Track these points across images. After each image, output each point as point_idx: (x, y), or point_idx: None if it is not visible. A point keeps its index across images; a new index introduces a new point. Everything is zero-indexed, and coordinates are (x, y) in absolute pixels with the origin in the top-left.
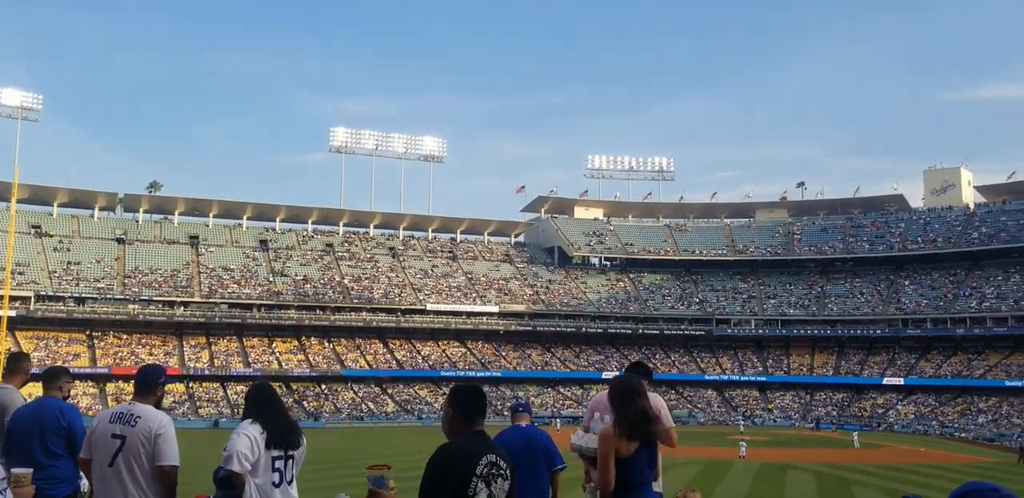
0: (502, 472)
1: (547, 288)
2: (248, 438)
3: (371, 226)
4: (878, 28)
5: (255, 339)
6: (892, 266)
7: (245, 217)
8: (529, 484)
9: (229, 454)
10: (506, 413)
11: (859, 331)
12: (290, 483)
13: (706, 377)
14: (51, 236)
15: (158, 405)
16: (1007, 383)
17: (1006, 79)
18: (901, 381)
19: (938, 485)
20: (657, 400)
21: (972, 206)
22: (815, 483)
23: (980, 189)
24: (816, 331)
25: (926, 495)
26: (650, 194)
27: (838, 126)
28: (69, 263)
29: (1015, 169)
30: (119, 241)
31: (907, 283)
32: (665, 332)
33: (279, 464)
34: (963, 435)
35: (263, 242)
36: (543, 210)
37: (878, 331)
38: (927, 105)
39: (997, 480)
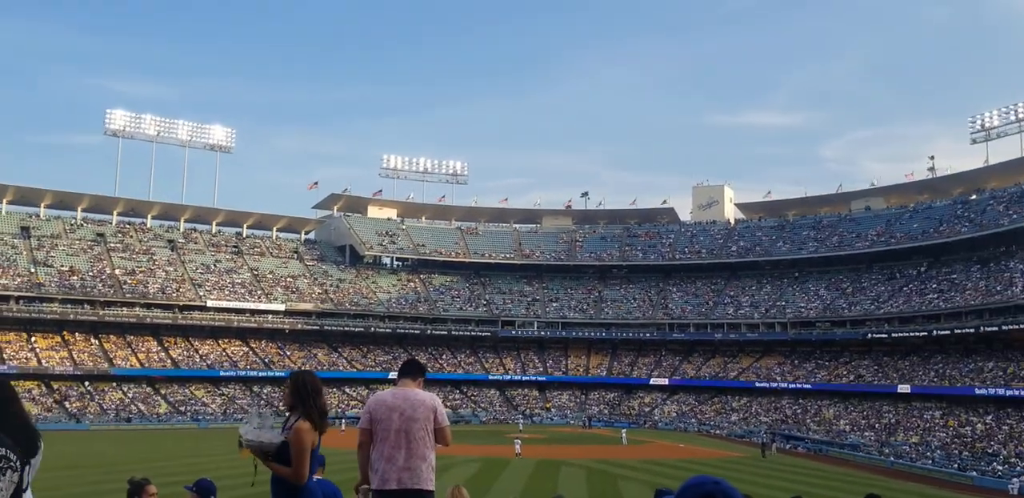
0: (11, 464)
1: (337, 287)
2: None
3: (149, 217)
4: (655, 51)
5: (11, 334)
6: (662, 274)
7: (4, 201)
8: None
9: None
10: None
11: (631, 334)
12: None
13: (490, 377)
14: None
15: None
16: (757, 384)
17: (764, 107)
18: (666, 381)
19: None
20: (434, 398)
21: (732, 221)
22: (586, 478)
23: (740, 206)
24: (593, 333)
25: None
26: (444, 197)
27: (619, 141)
28: None
29: (770, 189)
30: None
31: (675, 290)
32: (453, 333)
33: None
34: (718, 432)
35: (24, 229)
36: (336, 208)
37: (647, 334)
38: (697, 125)
39: (742, 472)
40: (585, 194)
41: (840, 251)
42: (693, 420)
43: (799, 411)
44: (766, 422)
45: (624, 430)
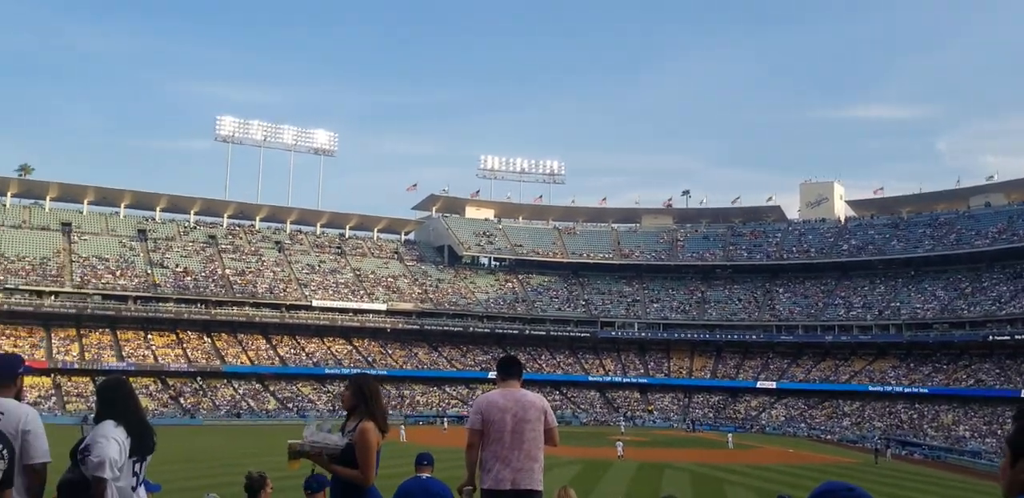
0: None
1: (436, 287)
2: (117, 443)
3: (257, 219)
4: (757, 43)
5: (130, 332)
6: (768, 274)
7: (123, 205)
8: None
9: (100, 460)
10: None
11: (736, 336)
12: (141, 484)
13: (589, 378)
14: None
15: (18, 398)
16: (870, 388)
17: (875, 99)
18: (774, 385)
19: (804, 484)
20: (541, 400)
21: (843, 219)
22: (690, 482)
23: (851, 203)
24: (696, 335)
25: (794, 494)
26: (541, 197)
27: (721, 137)
28: None
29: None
30: None
31: (782, 291)
32: (551, 333)
33: (136, 467)
34: (829, 437)
35: (142, 232)
36: (434, 208)
37: (753, 336)
38: (803, 120)
39: (855, 479)
40: (686, 192)
41: (958, 249)
42: (803, 424)
43: (915, 416)
44: (880, 427)
45: (730, 434)
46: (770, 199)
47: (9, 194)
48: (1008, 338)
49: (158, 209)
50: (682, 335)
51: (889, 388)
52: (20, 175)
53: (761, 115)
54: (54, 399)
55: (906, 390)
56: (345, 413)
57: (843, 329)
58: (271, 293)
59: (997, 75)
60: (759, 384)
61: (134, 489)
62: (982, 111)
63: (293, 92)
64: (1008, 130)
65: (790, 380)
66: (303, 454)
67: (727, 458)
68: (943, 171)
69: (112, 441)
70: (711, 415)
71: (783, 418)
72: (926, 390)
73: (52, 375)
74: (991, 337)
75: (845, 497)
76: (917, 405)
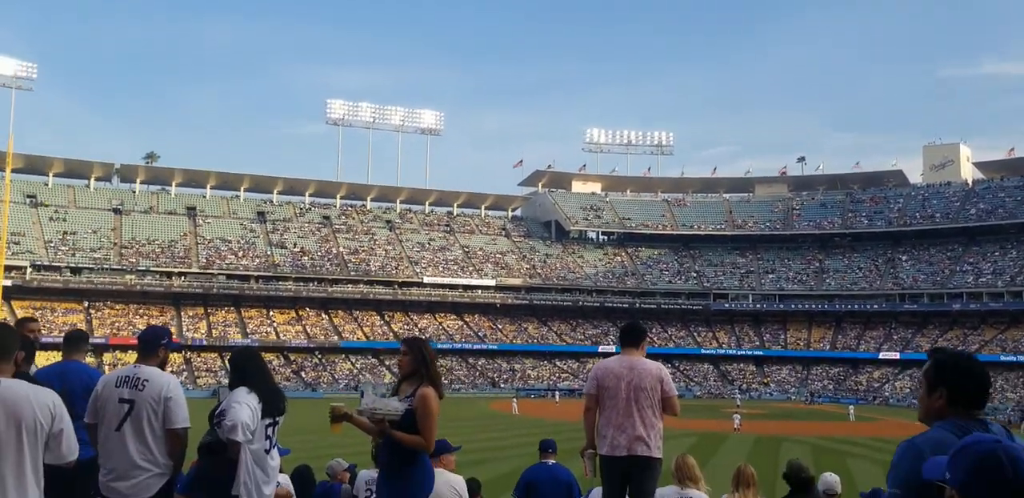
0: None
1: (544, 262)
2: (249, 408)
3: (368, 199)
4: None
5: (253, 310)
6: (890, 241)
7: (242, 189)
8: None
9: (233, 424)
10: (502, 385)
11: (856, 306)
12: (275, 447)
13: (703, 351)
14: (46, 206)
15: (162, 367)
16: (1002, 358)
17: (1006, 56)
18: (897, 355)
19: None
20: (661, 367)
21: (971, 182)
22: (811, 455)
23: (979, 165)
24: (814, 306)
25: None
26: (649, 169)
27: (838, 101)
28: (65, 233)
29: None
30: (115, 211)
31: (905, 258)
32: (662, 306)
33: (269, 431)
34: None
35: (260, 214)
36: (540, 184)
37: (875, 306)
38: (927, 80)
39: None
40: (801, 159)
41: None
42: None
43: None
44: (1013, 399)
45: (852, 406)
46: (893, 164)
47: (138, 181)
48: None
49: (275, 192)
50: (799, 306)
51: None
52: (147, 163)
53: (882, 75)
54: (185, 374)
55: None
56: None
57: (972, 297)
58: (384, 271)
59: None
60: (881, 355)
61: (267, 452)
62: None
63: (399, 73)
64: None
65: (915, 351)
66: (346, 418)
67: (849, 431)
68: None
69: (244, 406)
70: (831, 387)
71: (908, 390)
72: None
73: (183, 351)
74: None
75: (992, 449)
76: None
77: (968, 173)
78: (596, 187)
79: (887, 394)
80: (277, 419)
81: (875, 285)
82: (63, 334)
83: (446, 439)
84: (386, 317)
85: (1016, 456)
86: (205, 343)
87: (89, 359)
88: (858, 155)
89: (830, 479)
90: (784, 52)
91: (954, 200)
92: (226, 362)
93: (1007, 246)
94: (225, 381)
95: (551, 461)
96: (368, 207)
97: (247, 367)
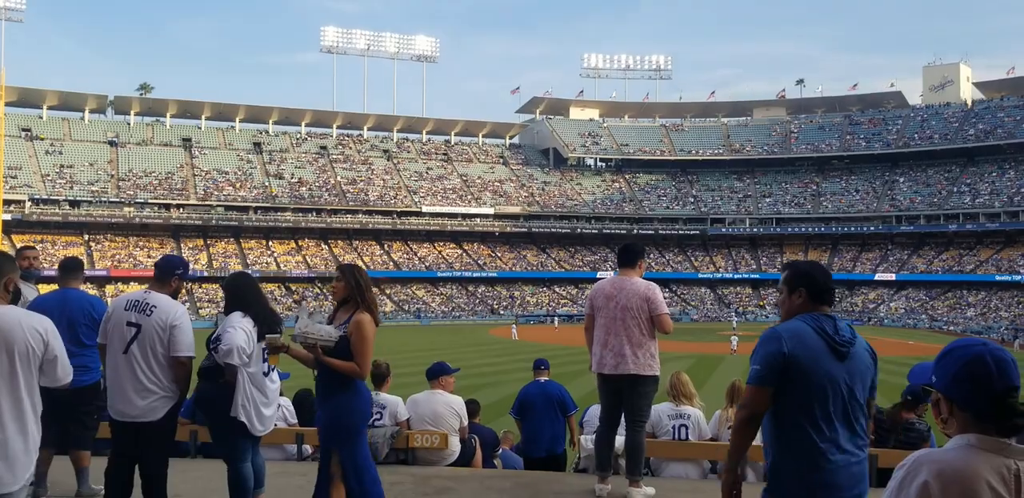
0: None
1: (542, 190)
2: (244, 332)
3: (365, 128)
4: None
5: (252, 241)
6: (888, 163)
7: (238, 119)
8: (548, 428)
9: (229, 348)
10: (502, 312)
11: (853, 228)
12: (273, 369)
13: (700, 275)
14: (42, 139)
15: (174, 296)
16: (996, 277)
17: None
18: (893, 276)
19: None
20: (651, 286)
21: (970, 102)
22: None
23: (979, 85)
24: (810, 229)
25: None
26: (647, 94)
27: (838, 21)
28: (62, 166)
29: (1014, 64)
30: (111, 144)
31: (902, 180)
32: (660, 232)
33: (266, 353)
34: (952, 328)
35: (257, 145)
36: (538, 111)
37: (871, 228)
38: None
39: None
40: (800, 82)
41: None
42: (924, 316)
43: None
44: (1007, 317)
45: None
46: (892, 85)
47: (132, 113)
48: None
49: (271, 122)
50: (796, 229)
51: (1018, 277)
52: (141, 94)
53: None
54: (187, 305)
55: None
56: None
57: (969, 217)
58: (382, 200)
59: None
60: (877, 276)
61: (266, 374)
62: None
63: None
64: None
65: (911, 272)
66: (283, 349)
67: None
68: None
69: (239, 330)
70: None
71: (903, 310)
72: None
73: (185, 282)
74: None
75: (979, 352)
76: None
77: (968, 93)
78: (594, 113)
79: (882, 315)
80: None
81: (872, 207)
82: None
83: (445, 361)
84: (386, 246)
85: (1001, 357)
86: (206, 274)
87: (92, 291)
88: (857, 77)
89: None
90: None
91: (953, 121)
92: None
93: (1005, 166)
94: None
95: (543, 378)
96: (365, 137)
97: (240, 292)
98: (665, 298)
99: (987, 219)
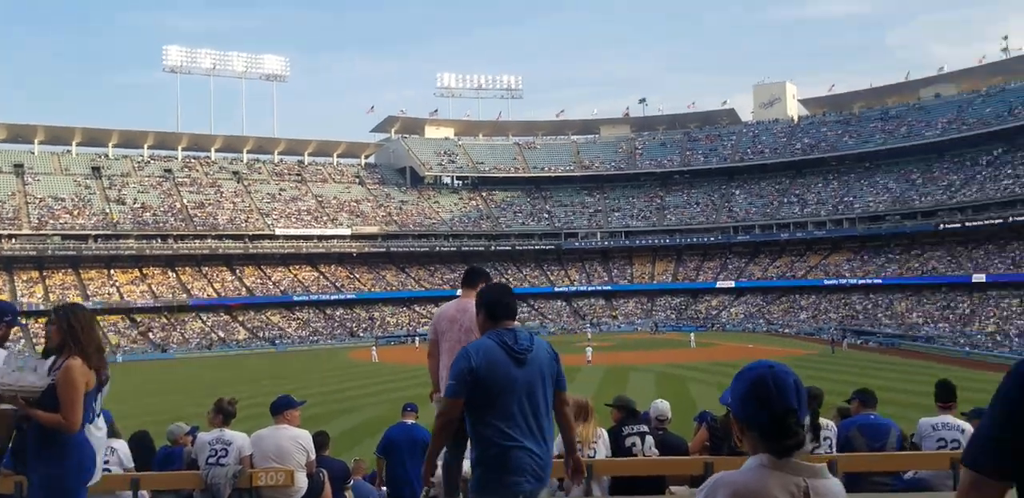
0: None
1: (400, 209)
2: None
3: (212, 150)
4: None
5: (92, 271)
6: (725, 177)
7: (74, 143)
8: (413, 470)
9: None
10: (361, 334)
11: (695, 239)
12: (99, 415)
13: (555, 289)
14: None
15: (0, 343)
16: (825, 282)
17: None
18: (732, 284)
19: None
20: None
21: (796, 118)
22: (655, 381)
23: (804, 102)
24: (656, 240)
25: None
26: (500, 113)
27: (676, 43)
28: None
29: (834, 82)
30: None
31: (738, 192)
32: (517, 248)
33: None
34: (787, 331)
35: (96, 169)
36: (393, 130)
37: (712, 238)
38: (756, 21)
39: (813, 369)
40: (642, 100)
41: (909, 141)
42: (761, 321)
43: (870, 306)
44: (835, 319)
45: (692, 334)
46: (725, 103)
47: None
48: (958, 225)
49: (110, 145)
50: (643, 241)
51: (844, 281)
52: None
53: (714, 17)
54: (23, 342)
55: (860, 282)
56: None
57: (798, 226)
58: (232, 224)
59: None
60: (719, 284)
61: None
62: (929, 2)
63: (239, 17)
64: (957, 20)
65: (748, 279)
66: None
67: (690, 357)
68: (894, 65)
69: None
70: (673, 317)
71: (742, 315)
72: (880, 280)
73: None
74: (941, 225)
75: (763, 374)
76: (871, 295)
77: (794, 110)
78: (449, 132)
79: (724, 320)
80: (101, 387)
81: (712, 219)
82: None
83: (290, 395)
84: (238, 272)
85: (783, 379)
86: (43, 308)
87: None
88: (695, 95)
89: (661, 406)
90: None
91: (781, 136)
92: None
93: (829, 178)
94: None
95: (410, 421)
96: (213, 158)
97: (76, 325)
98: (523, 313)
99: (815, 227)
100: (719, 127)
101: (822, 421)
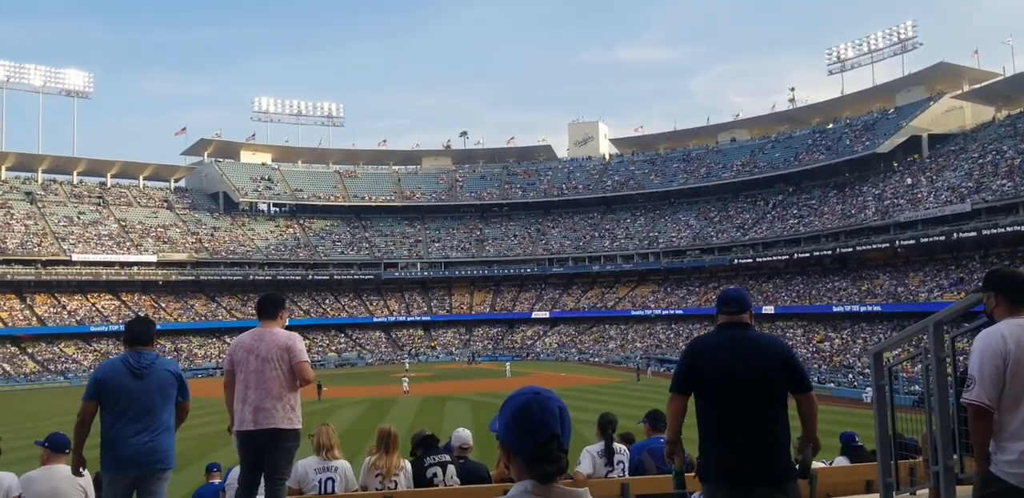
0: None
1: (212, 235)
2: None
3: (3, 168)
4: None
5: None
6: (541, 211)
7: None
8: None
9: None
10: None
11: (512, 270)
12: None
13: (374, 319)
14: None
15: None
16: (632, 312)
17: (638, 43)
18: (547, 314)
19: (574, 405)
20: (292, 335)
21: (608, 156)
22: (471, 411)
23: (614, 141)
24: (475, 271)
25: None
26: (320, 141)
27: (497, 80)
28: None
29: (643, 123)
30: None
31: (553, 226)
32: (335, 277)
33: None
34: (597, 360)
35: None
36: (206, 154)
37: (528, 270)
38: (573, 63)
39: (619, 396)
40: (464, 134)
41: (708, 182)
42: (573, 350)
43: (672, 335)
44: (641, 348)
45: (508, 363)
46: (542, 139)
47: None
48: (750, 261)
49: None
50: (462, 272)
51: (649, 311)
52: None
53: (534, 57)
54: None
55: (664, 312)
56: None
57: (608, 259)
58: (23, 248)
59: (749, 19)
60: (534, 314)
61: None
62: (731, 53)
63: (39, 29)
64: (752, 70)
65: (562, 309)
66: None
67: (505, 386)
68: (697, 110)
69: None
70: (491, 346)
71: (556, 345)
72: (681, 311)
73: None
74: (736, 260)
75: (528, 400)
76: (674, 325)
77: (606, 148)
78: (267, 158)
79: (538, 349)
80: None
81: (528, 251)
82: None
83: (63, 434)
84: (28, 300)
85: (547, 405)
86: None
87: None
88: (514, 130)
89: (463, 434)
90: (447, 29)
91: (594, 173)
92: None
93: (637, 214)
94: None
95: (216, 481)
96: (3, 177)
97: None
98: (340, 343)
99: (623, 260)
100: (537, 162)
101: (615, 445)
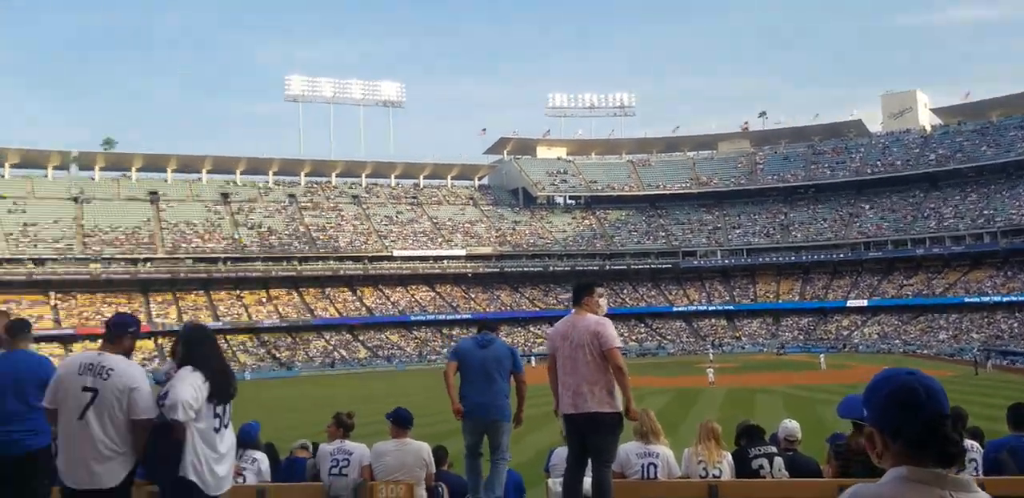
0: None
1: (513, 229)
2: (192, 387)
3: (333, 175)
4: None
5: (223, 292)
6: (853, 191)
7: (204, 170)
8: None
9: (174, 404)
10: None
11: (823, 256)
12: (227, 426)
13: (674, 309)
14: (4, 198)
15: (127, 355)
16: (966, 299)
17: (960, 2)
18: (865, 303)
19: None
20: (601, 321)
21: (929, 128)
22: (783, 404)
23: (937, 111)
24: (781, 258)
25: None
26: (612, 131)
27: (797, 54)
28: (25, 224)
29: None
30: (76, 200)
31: (867, 207)
32: (632, 267)
33: (219, 409)
34: (925, 352)
35: (224, 195)
36: (506, 151)
37: (841, 255)
38: (883, 30)
39: (955, 391)
40: (763, 114)
41: None
42: (897, 341)
43: (1016, 325)
44: (978, 339)
45: (822, 355)
46: (852, 114)
47: (97, 168)
48: None
49: (238, 172)
50: (767, 259)
51: (987, 298)
52: (105, 149)
53: (836, 27)
54: (157, 361)
55: (1005, 299)
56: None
57: (935, 241)
58: (353, 246)
59: None
60: (849, 303)
61: (217, 430)
62: None
63: (355, 46)
64: None
65: (882, 297)
66: None
67: (820, 379)
68: None
69: (187, 385)
70: (801, 337)
71: (876, 336)
72: None
73: (153, 338)
74: None
75: (906, 381)
76: (1018, 314)
77: (927, 119)
78: (561, 152)
79: (856, 341)
80: (229, 401)
81: (840, 235)
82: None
83: (406, 409)
84: (358, 292)
85: (930, 385)
86: (176, 328)
87: (58, 351)
88: (818, 107)
89: (790, 425)
90: (738, 5)
91: (913, 147)
92: None
93: (967, 190)
94: None
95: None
96: (333, 183)
97: (194, 342)
98: (640, 333)
99: (953, 242)
100: (846, 139)
101: (966, 442)
